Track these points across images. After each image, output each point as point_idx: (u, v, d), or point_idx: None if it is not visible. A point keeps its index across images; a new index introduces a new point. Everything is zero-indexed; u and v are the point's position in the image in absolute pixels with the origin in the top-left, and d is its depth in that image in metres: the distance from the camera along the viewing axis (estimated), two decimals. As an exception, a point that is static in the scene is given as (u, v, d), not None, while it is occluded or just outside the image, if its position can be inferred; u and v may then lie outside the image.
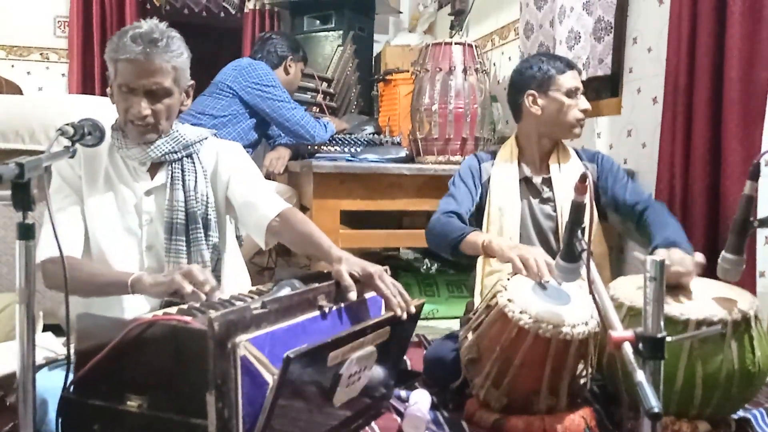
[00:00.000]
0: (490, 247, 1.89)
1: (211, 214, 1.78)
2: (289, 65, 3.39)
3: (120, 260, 1.72)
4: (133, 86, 1.65)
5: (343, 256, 1.60)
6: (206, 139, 1.84)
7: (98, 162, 1.76)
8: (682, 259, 1.72)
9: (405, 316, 1.57)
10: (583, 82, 2.23)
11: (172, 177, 1.75)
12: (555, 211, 2.17)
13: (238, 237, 1.98)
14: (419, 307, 1.68)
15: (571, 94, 2.14)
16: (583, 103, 2.17)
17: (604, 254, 2.18)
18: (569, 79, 2.15)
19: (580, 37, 2.91)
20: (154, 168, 1.78)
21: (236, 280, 1.88)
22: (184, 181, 1.76)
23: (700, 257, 1.75)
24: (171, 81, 1.68)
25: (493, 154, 2.28)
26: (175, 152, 1.76)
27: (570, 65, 2.18)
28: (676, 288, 1.73)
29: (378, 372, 1.62)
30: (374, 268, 1.58)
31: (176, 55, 1.68)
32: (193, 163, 1.79)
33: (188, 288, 1.45)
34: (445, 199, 2.19)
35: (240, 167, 1.85)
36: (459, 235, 1.98)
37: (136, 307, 1.68)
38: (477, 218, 2.20)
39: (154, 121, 1.69)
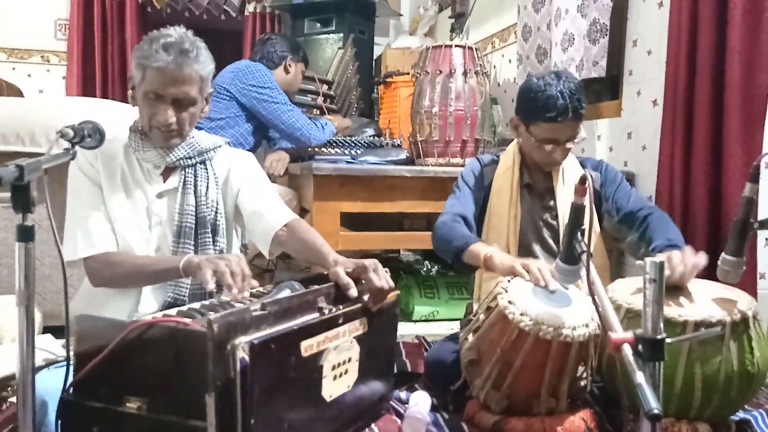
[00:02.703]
0: (491, 262, 1.88)
1: (219, 220, 1.80)
2: (289, 65, 3.37)
3: None
4: (161, 94, 1.67)
5: (339, 259, 1.62)
6: (220, 147, 1.86)
7: (114, 162, 1.77)
8: (683, 259, 1.72)
9: (375, 308, 1.57)
10: (582, 82, 2.20)
11: (184, 181, 1.77)
12: (556, 219, 2.15)
13: (243, 245, 1.99)
14: (394, 300, 1.68)
15: (545, 141, 2.05)
16: (556, 152, 2.06)
17: (605, 266, 2.16)
18: (548, 130, 2.02)
19: (573, 39, 2.91)
20: (167, 171, 1.79)
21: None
22: (196, 186, 1.78)
23: (703, 259, 1.74)
24: (197, 90, 1.70)
25: (496, 158, 2.27)
26: (190, 158, 1.77)
27: (562, 116, 1.98)
28: (675, 289, 1.73)
29: (369, 370, 1.62)
30: (368, 261, 1.59)
31: (204, 65, 1.70)
32: (206, 169, 1.81)
33: (211, 286, 1.47)
34: (450, 201, 2.18)
35: (251, 177, 1.87)
36: (462, 244, 1.97)
37: (139, 308, 1.69)
38: (479, 222, 2.19)
39: (178, 128, 1.71)
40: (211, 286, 1.47)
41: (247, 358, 1.23)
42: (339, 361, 1.47)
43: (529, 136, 2.08)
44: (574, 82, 2.03)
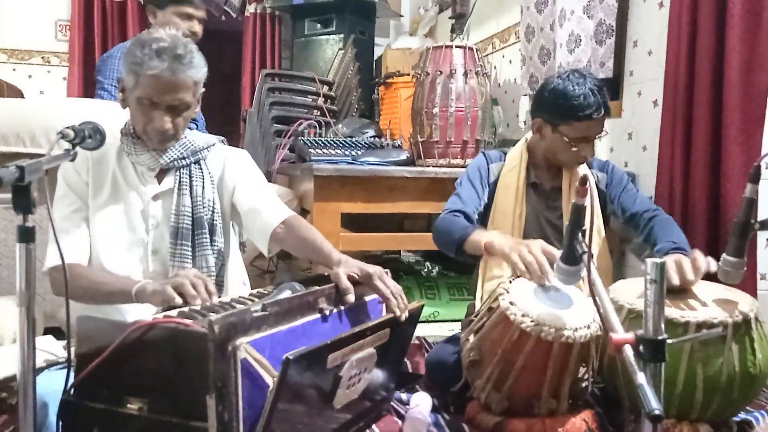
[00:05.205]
0: (491, 246, 1.87)
1: (217, 219, 1.80)
2: (152, 14, 3.05)
3: (126, 265, 1.72)
4: (156, 101, 1.66)
5: (342, 259, 1.61)
6: (213, 145, 1.86)
7: (106, 166, 1.77)
8: (682, 266, 1.72)
9: (404, 317, 1.57)
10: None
11: (179, 182, 1.77)
12: (560, 219, 2.14)
13: (241, 243, 1.99)
14: (418, 310, 1.67)
15: (577, 140, 2.05)
16: (587, 150, 2.07)
17: (608, 268, 2.16)
18: (582, 129, 2.03)
19: (580, 40, 2.92)
20: (161, 173, 1.79)
21: (238, 285, 1.88)
22: (191, 186, 1.77)
23: (713, 264, 1.71)
24: (191, 95, 1.70)
25: (503, 154, 2.25)
26: (184, 158, 1.77)
27: (597, 113, 2.00)
28: (677, 290, 1.73)
29: (378, 374, 1.62)
30: (373, 269, 1.58)
31: (198, 70, 1.70)
32: (201, 169, 1.81)
33: (179, 301, 1.47)
34: (452, 198, 2.17)
35: (246, 174, 1.86)
36: (462, 234, 1.96)
37: (139, 310, 1.68)
38: (483, 219, 2.18)
39: (173, 132, 1.72)
40: (179, 300, 1.46)
41: (248, 358, 1.24)
42: (357, 371, 1.47)
43: (559, 137, 2.06)
44: (596, 79, 2.07)
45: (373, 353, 1.50)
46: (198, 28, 3.11)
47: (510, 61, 3.94)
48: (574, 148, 2.05)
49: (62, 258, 1.30)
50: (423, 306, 1.71)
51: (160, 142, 1.72)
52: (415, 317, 1.67)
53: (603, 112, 2.02)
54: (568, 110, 2.02)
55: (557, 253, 1.71)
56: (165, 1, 3.02)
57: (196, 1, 3.13)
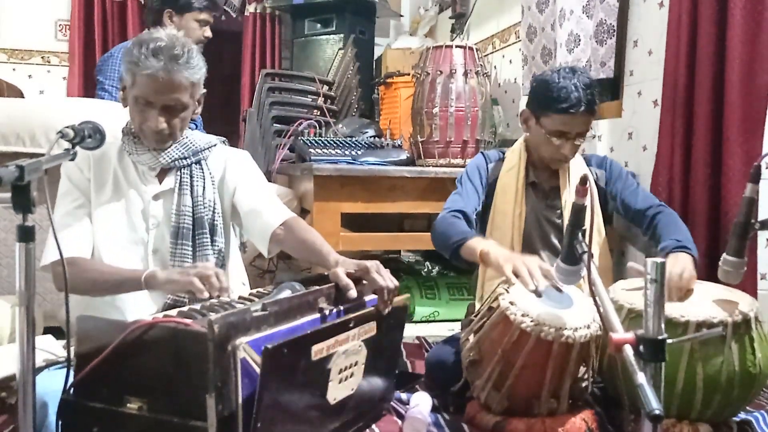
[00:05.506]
0: (487, 257, 1.85)
1: (217, 219, 1.80)
2: (169, 19, 3.02)
3: (126, 263, 1.72)
4: (152, 100, 1.66)
5: (339, 259, 1.61)
6: (215, 146, 1.86)
7: (107, 165, 1.77)
8: (683, 269, 1.72)
9: (386, 311, 1.58)
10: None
11: (180, 182, 1.77)
12: (560, 218, 2.14)
13: (242, 243, 1.99)
14: (404, 303, 1.68)
15: (555, 134, 2.04)
16: (566, 147, 2.05)
17: (608, 268, 2.16)
18: (560, 122, 2.02)
19: (579, 40, 2.92)
20: (162, 172, 1.79)
21: (238, 285, 1.89)
22: (192, 186, 1.77)
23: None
24: (188, 96, 1.70)
25: (502, 154, 2.26)
26: (185, 158, 1.77)
27: (575, 107, 1.99)
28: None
29: (373, 371, 1.62)
30: (371, 262, 1.59)
31: (195, 70, 1.69)
32: (202, 169, 1.81)
33: (206, 294, 1.47)
34: (452, 197, 2.17)
35: (247, 175, 1.87)
36: (460, 239, 1.95)
37: (139, 310, 1.68)
38: (482, 218, 2.18)
39: (169, 132, 1.71)
40: (206, 293, 1.46)
41: (248, 358, 1.24)
42: (346, 365, 1.47)
43: (539, 129, 2.07)
44: (588, 77, 2.06)
45: (362, 347, 1.50)
46: (209, 33, 3.19)
47: (510, 61, 3.94)
48: (555, 141, 2.05)
49: (60, 252, 1.30)
50: (408, 298, 1.71)
51: (156, 142, 1.72)
52: (401, 311, 1.67)
53: (584, 109, 2.00)
54: (548, 101, 2.02)
55: (552, 270, 1.70)
56: (186, 8, 3.06)
57: (214, 8, 3.22)
